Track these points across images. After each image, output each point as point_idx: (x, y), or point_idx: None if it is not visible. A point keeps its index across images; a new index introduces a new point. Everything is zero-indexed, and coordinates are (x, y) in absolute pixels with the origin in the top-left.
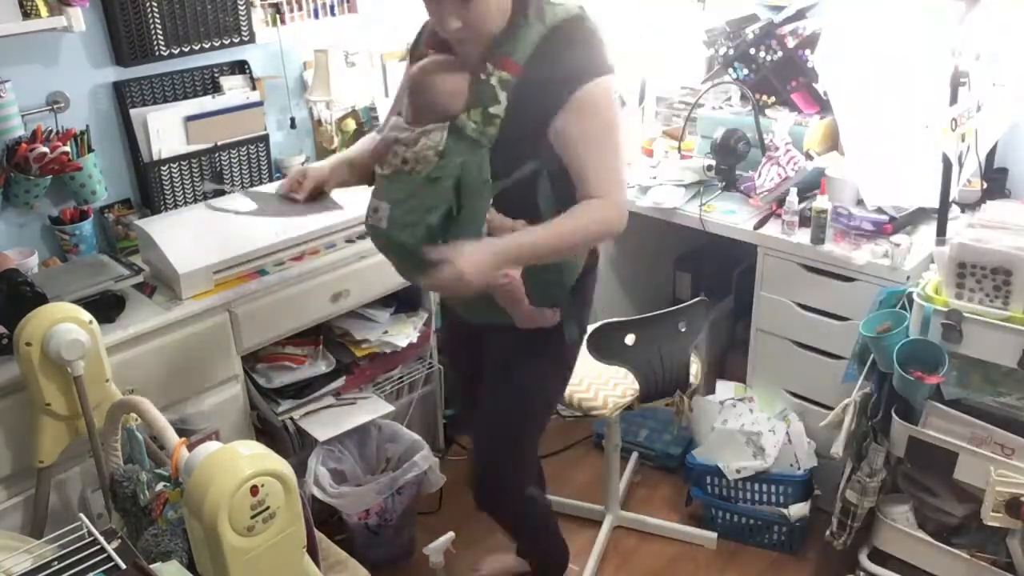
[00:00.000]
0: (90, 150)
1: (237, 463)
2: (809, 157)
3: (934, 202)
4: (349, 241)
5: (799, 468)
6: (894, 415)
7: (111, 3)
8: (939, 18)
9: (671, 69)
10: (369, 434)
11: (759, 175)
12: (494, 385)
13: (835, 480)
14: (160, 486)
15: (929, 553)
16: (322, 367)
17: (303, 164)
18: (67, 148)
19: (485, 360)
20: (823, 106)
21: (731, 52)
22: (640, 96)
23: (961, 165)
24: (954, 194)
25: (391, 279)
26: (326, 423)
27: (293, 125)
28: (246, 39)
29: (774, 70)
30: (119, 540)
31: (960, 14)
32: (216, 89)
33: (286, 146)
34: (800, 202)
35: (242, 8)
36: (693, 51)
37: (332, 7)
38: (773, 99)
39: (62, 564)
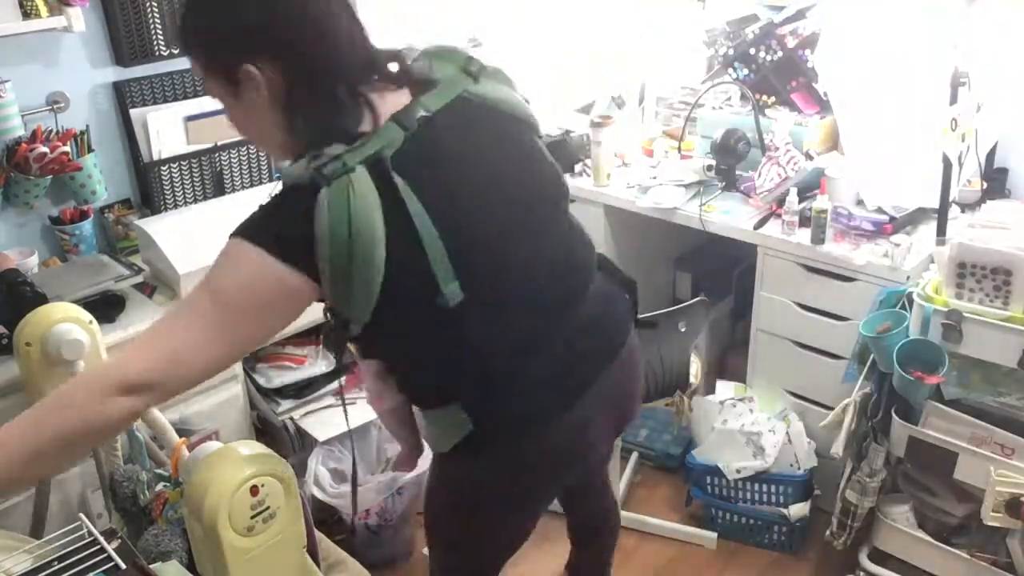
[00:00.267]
0: (90, 150)
1: (237, 463)
2: (809, 157)
3: (934, 202)
4: None
5: (799, 468)
6: (894, 415)
7: (111, 3)
8: (939, 18)
9: (671, 69)
10: (369, 434)
11: (759, 175)
12: None
13: (835, 480)
14: (160, 486)
15: (929, 553)
16: (322, 367)
17: None
18: (67, 148)
19: None
20: (823, 106)
21: (731, 52)
22: (640, 96)
23: (961, 165)
24: (954, 194)
25: None
26: (326, 423)
27: None
28: None
29: (774, 70)
30: (119, 540)
31: (960, 14)
32: None
33: None
34: (800, 202)
35: None
36: (693, 51)
37: None
38: (773, 99)
39: (62, 564)
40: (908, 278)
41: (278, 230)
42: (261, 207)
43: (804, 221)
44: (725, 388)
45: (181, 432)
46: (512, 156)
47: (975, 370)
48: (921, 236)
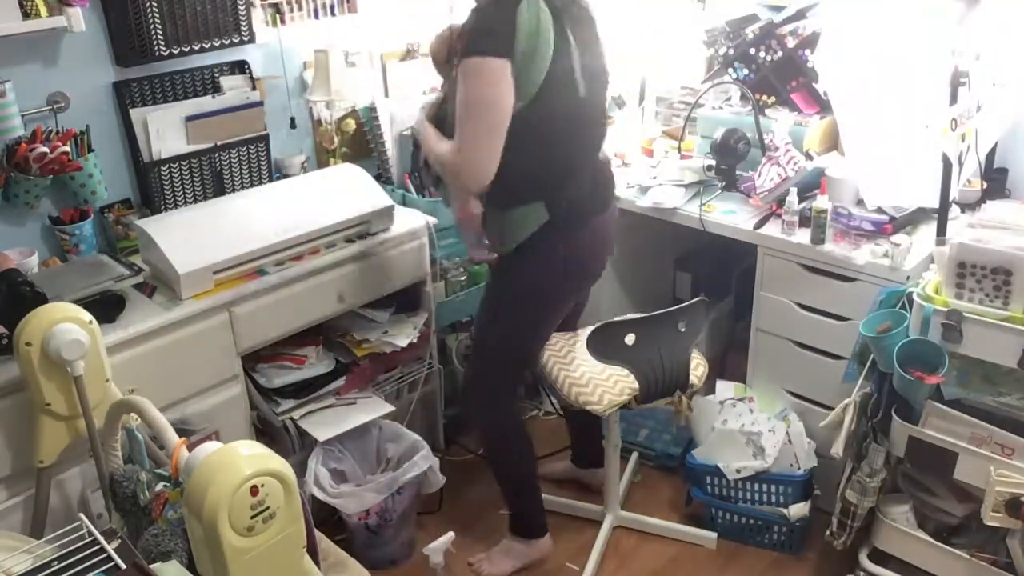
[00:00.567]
0: (90, 150)
1: (237, 463)
2: (809, 157)
3: (934, 202)
4: (349, 241)
5: (799, 468)
6: (894, 415)
7: (111, 3)
8: (939, 18)
9: (671, 69)
10: (369, 434)
11: (759, 175)
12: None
13: (835, 480)
14: (160, 486)
15: (929, 553)
16: (322, 367)
17: (303, 164)
18: (67, 148)
19: None
20: (823, 106)
21: (731, 52)
22: (640, 96)
23: (961, 165)
24: (954, 194)
25: (391, 279)
26: (326, 423)
27: (293, 125)
28: (246, 39)
29: (774, 70)
30: (119, 540)
31: (960, 14)
32: (216, 89)
33: (286, 146)
34: (800, 202)
35: (242, 8)
36: (693, 51)
37: (332, 7)
38: (773, 99)
39: (62, 564)
40: (908, 278)
41: (499, 37)
42: (473, 26)
43: (804, 221)
44: (725, 388)
45: (181, 432)
46: (599, 45)
47: (975, 370)
48: (921, 236)
